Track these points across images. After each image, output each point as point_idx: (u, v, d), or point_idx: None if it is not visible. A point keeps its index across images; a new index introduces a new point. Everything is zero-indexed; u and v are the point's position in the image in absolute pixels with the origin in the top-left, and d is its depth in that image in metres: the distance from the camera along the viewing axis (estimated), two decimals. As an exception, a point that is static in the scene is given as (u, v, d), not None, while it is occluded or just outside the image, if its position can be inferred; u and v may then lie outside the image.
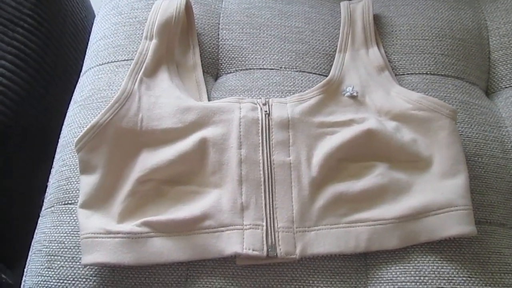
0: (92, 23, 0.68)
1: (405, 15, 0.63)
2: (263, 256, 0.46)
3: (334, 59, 0.58)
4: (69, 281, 0.48)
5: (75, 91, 0.61)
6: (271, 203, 0.48)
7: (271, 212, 0.48)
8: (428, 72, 0.59)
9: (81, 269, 0.48)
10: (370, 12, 0.60)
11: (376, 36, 0.60)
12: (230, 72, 0.60)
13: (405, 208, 0.48)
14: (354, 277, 0.48)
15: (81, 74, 0.63)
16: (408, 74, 0.59)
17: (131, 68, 0.54)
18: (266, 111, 0.52)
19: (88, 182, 0.49)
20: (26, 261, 0.53)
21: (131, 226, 0.47)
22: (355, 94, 0.54)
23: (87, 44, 0.66)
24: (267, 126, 0.51)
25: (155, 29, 0.56)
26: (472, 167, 0.52)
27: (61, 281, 0.48)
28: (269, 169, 0.49)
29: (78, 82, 0.62)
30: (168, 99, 0.52)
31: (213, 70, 0.61)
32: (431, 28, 0.61)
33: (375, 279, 0.48)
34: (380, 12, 0.64)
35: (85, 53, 0.66)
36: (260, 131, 0.51)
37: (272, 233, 0.47)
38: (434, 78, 0.58)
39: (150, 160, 0.50)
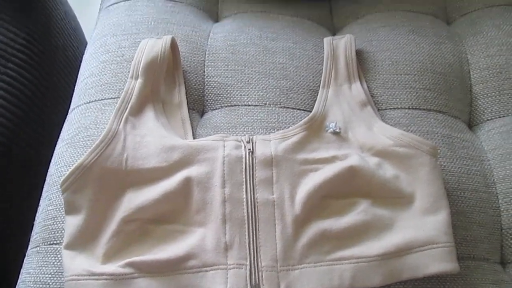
0: (84, 52, 0.70)
1: (387, 50, 0.64)
2: None
3: (317, 94, 0.59)
4: (53, 323, 0.48)
5: (62, 129, 0.62)
6: (254, 241, 0.48)
7: (255, 251, 0.48)
8: (410, 107, 0.59)
9: (65, 310, 0.48)
10: (352, 48, 0.61)
11: (359, 71, 0.61)
12: (216, 109, 0.61)
13: (387, 245, 0.48)
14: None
15: (69, 111, 0.64)
16: (390, 108, 0.60)
17: (117, 107, 0.55)
18: (249, 149, 0.52)
19: (73, 223, 0.49)
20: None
21: (114, 267, 0.47)
22: (337, 130, 0.55)
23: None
24: (251, 164, 0.51)
25: (141, 68, 0.57)
26: (454, 202, 0.53)
27: (46, 323, 0.48)
28: (253, 207, 0.50)
29: (66, 120, 0.63)
30: (153, 138, 0.53)
31: (199, 107, 0.62)
32: (412, 62, 0.63)
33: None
34: (363, 47, 0.65)
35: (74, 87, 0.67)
36: (244, 169, 0.51)
37: (256, 272, 0.47)
38: (417, 112, 0.59)
39: (135, 199, 0.50)
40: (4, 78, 0.73)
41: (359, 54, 0.64)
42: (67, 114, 0.64)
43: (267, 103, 0.60)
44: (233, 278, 0.47)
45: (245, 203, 0.50)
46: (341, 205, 0.51)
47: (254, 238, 0.48)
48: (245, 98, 0.60)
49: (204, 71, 0.63)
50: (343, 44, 0.62)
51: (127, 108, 0.55)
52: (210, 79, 0.63)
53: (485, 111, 0.62)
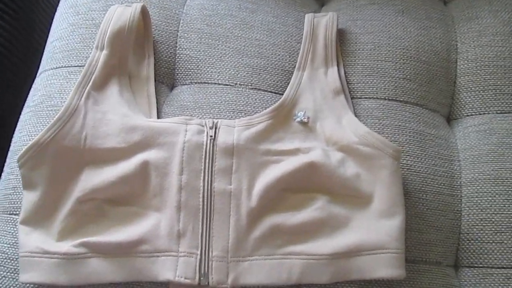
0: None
1: (371, 32, 0.60)
2: (195, 284, 0.47)
3: (291, 76, 0.56)
4: (11, 292, 0.50)
5: (29, 93, 0.61)
6: (207, 231, 0.49)
7: (207, 241, 0.48)
8: (387, 98, 0.57)
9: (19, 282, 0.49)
10: (334, 28, 0.57)
11: (338, 55, 0.58)
12: (185, 84, 0.59)
13: (339, 245, 0.48)
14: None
15: (37, 75, 0.62)
16: (365, 98, 0.57)
17: (78, 80, 0.53)
18: (211, 136, 0.51)
19: (29, 199, 0.50)
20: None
21: (68, 246, 0.48)
22: (305, 120, 0.53)
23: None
24: (211, 152, 0.51)
25: (107, 38, 0.55)
26: (415, 203, 0.52)
27: (3, 290, 0.50)
28: (209, 196, 0.49)
29: (33, 84, 0.61)
30: (115, 116, 0.52)
31: (168, 80, 0.60)
32: (396, 48, 0.59)
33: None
34: (346, 26, 0.61)
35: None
36: (203, 157, 0.50)
37: (206, 261, 0.48)
38: (392, 104, 0.57)
39: (91, 179, 0.50)
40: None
41: (341, 34, 0.60)
42: (35, 77, 0.63)
43: (238, 82, 0.58)
44: (183, 265, 0.47)
45: (201, 192, 0.49)
46: (298, 199, 0.50)
47: (208, 228, 0.49)
48: (216, 76, 0.58)
49: (176, 42, 0.60)
50: (324, 23, 0.58)
51: (89, 81, 0.53)
52: (182, 52, 0.60)
53: (466, 106, 0.59)
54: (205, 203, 0.49)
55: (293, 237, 0.49)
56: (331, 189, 0.50)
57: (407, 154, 0.54)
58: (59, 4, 0.66)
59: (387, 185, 0.49)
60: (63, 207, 0.49)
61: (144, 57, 0.59)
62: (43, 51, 0.64)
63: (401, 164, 0.53)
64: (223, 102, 0.56)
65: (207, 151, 0.50)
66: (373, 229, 0.48)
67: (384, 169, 0.49)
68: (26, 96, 0.60)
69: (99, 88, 0.54)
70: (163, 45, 0.60)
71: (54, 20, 0.65)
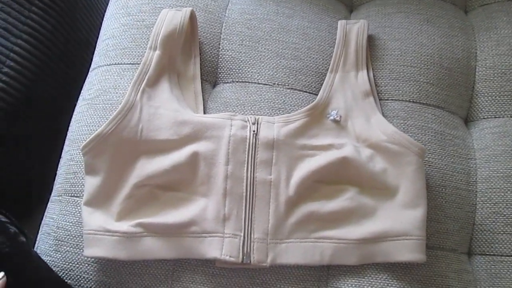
0: (104, 4, 0.71)
1: (398, 39, 0.66)
2: (238, 262, 0.53)
3: (324, 78, 0.62)
4: (74, 265, 0.56)
5: (83, 86, 0.67)
6: (250, 216, 0.55)
7: (249, 224, 0.54)
8: (411, 100, 0.63)
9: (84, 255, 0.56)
10: (364, 34, 0.63)
11: (368, 60, 0.63)
12: (227, 82, 0.65)
13: (366, 232, 0.54)
14: (316, 285, 0.55)
15: (90, 70, 0.68)
16: (391, 100, 0.63)
17: (134, 78, 0.59)
18: (254, 131, 0.57)
19: (91, 183, 0.56)
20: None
21: (127, 226, 0.54)
22: (338, 118, 0.59)
23: (98, 19, 0.68)
24: (254, 145, 0.56)
25: (159, 40, 0.60)
26: (435, 196, 0.58)
27: (67, 263, 0.56)
28: (252, 185, 0.55)
29: (87, 78, 0.67)
30: (166, 111, 0.58)
31: (211, 78, 0.66)
32: (421, 55, 0.64)
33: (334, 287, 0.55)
34: (375, 33, 0.66)
35: (99, 31, 0.70)
36: (247, 149, 0.56)
37: (248, 242, 0.54)
38: (416, 106, 0.62)
39: (146, 167, 0.56)
40: (29, 22, 0.76)
41: (370, 40, 0.66)
42: (87, 70, 0.68)
43: (276, 83, 0.63)
44: (228, 245, 0.54)
45: (245, 181, 0.55)
46: (330, 190, 0.56)
47: (250, 213, 0.55)
48: (256, 76, 0.64)
49: (219, 44, 0.66)
50: (356, 29, 0.63)
51: (144, 79, 0.59)
52: (224, 53, 0.65)
53: (483, 109, 0.65)
54: (248, 191, 0.55)
55: (325, 223, 0.55)
56: (360, 181, 0.56)
57: (428, 152, 0.60)
58: (110, 5, 0.71)
59: (412, 180, 0.55)
60: (121, 191, 0.55)
61: (190, 57, 0.64)
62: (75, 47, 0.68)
63: (424, 161, 0.58)
64: (263, 100, 0.62)
65: (250, 144, 0.56)
66: (398, 218, 0.54)
67: (410, 165, 0.55)
68: (67, 88, 0.65)
69: (152, 85, 0.59)
70: (207, 46, 0.65)
71: (105, 19, 0.70)
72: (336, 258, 0.54)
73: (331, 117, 0.59)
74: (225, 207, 0.55)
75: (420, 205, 0.54)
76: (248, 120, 0.57)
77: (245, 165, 0.56)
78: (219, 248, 0.54)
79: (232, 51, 0.65)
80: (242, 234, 0.54)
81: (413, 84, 0.63)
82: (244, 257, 0.53)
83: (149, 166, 0.56)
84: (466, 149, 0.62)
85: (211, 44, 0.66)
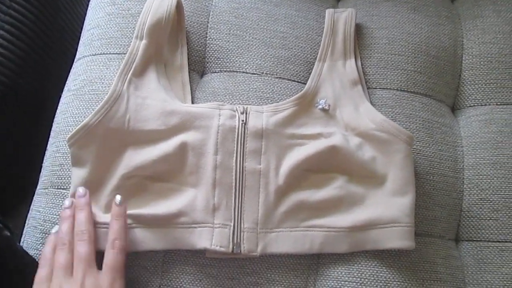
0: None
1: (386, 27, 0.66)
2: (229, 252, 0.53)
3: (313, 67, 0.62)
4: (61, 257, 0.55)
5: (68, 77, 0.65)
6: (239, 206, 0.55)
7: (239, 214, 0.54)
8: (399, 88, 0.63)
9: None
10: (352, 23, 0.63)
11: (356, 48, 0.63)
12: (215, 72, 0.64)
13: (356, 219, 0.54)
14: (306, 273, 0.56)
15: (75, 60, 0.66)
16: (380, 88, 0.63)
17: (121, 68, 0.58)
18: (243, 120, 0.56)
19: (78, 175, 0.55)
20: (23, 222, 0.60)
21: None
22: (326, 107, 0.59)
23: (82, 9, 0.66)
24: (243, 135, 0.56)
25: (146, 29, 0.59)
26: (423, 184, 0.59)
27: (54, 256, 0.56)
28: (241, 175, 0.55)
29: (72, 69, 0.66)
30: (154, 101, 0.57)
31: (199, 68, 0.65)
32: (408, 43, 0.65)
33: (323, 276, 0.55)
34: (363, 22, 0.66)
35: (82, 21, 0.69)
36: (235, 139, 0.56)
37: (238, 232, 0.54)
38: (404, 94, 0.63)
39: (134, 158, 0.55)
40: (11, 12, 0.74)
41: (358, 29, 0.65)
42: (73, 60, 0.67)
43: (264, 72, 0.63)
44: (218, 236, 0.53)
45: (234, 171, 0.55)
46: (320, 179, 0.56)
47: (239, 203, 0.55)
48: (244, 65, 0.63)
49: (206, 33, 0.65)
50: (343, 18, 0.63)
51: (131, 69, 0.58)
52: (212, 42, 0.65)
53: (469, 97, 0.65)
54: (237, 180, 0.55)
55: (315, 212, 0.55)
56: (349, 170, 0.56)
57: (416, 140, 0.60)
58: (94, -6, 0.70)
59: (400, 167, 0.55)
60: (109, 182, 0.55)
61: (177, 47, 0.63)
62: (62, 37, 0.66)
63: (412, 148, 0.59)
64: (251, 89, 0.62)
65: (239, 134, 0.56)
66: (387, 205, 0.55)
67: (398, 153, 0.55)
68: (52, 80, 0.63)
69: (139, 75, 0.58)
70: (194, 35, 0.65)
71: (90, 8, 0.69)
72: (326, 247, 0.54)
73: (320, 106, 0.59)
74: (214, 197, 0.54)
75: (408, 192, 0.55)
76: (237, 110, 0.57)
77: (234, 155, 0.55)
78: (209, 238, 0.53)
79: (220, 40, 0.65)
80: (232, 224, 0.54)
81: (400, 73, 0.63)
82: (234, 247, 0.53)
83: (137, 157, 0.55)
84: (453, 137, 0.62)
85: (198, 34, 0.65)
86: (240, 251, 0.53)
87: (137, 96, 0.57)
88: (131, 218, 0.53)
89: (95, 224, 0.53)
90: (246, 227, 0.54)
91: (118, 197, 0.52)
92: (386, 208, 0.55)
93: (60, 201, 0.58)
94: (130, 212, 0.53)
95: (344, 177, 0.56)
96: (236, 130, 0.56)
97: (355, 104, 0.59)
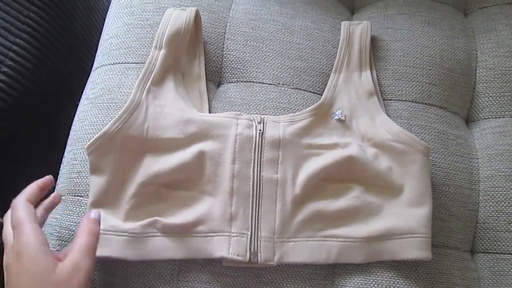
0: (105, 5, 0.71)
1: (401, 40, 0.66)
2: (246, 261, 0.53)
3: (329, 78, 0.63)
4: (77, 265, 0.55)
5: (86, 85, 0.66)
6: (256, 215, 0.55)
7: (256, 223, 0.54)
8: (414, 100, 0.63)
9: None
10: (368, 35, 0.64)
11: (371, 60, 0.64)
12: (232, 82, 0.65)
13: (373, 230, 0.54)
14: (322, 283, 0.55)
15: (93, 69, 0.67)
16: (395, 100, 0.63)
17: (140, 77, 0.58)
18: (260, 130, 0.57)
19: (97, 183, 0.55)
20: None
21: (134, 225, 0.54)
22: (343, 118, 0.59)
23: (96, 19, 0.67)
24: (260, 144, 0.56)
25: (165, 39, 0.60)
26: (439, 195, 0.59)
27: (70, 263, 0.56)
28: (258, 184, 0.55)
29: (89, 77, 0.67)
30: (172, 110, 0.57)
31: (215, 78, 0.66)
32: (423, 56, 0.65)
33: (339, 286, 0.55)
34: (378, 34, 0.67)
35: (96, 30, 0.69)
36: (253, 148, 0.56)
37: (255, 241, 0.54)
38: (419, 106, 0.63)
39: (153, 166, 0.55)
40: (28, 21, 0.75)
41: (373, 41, 0.66)
42: (85, 69, 0.68)
43: (281, 82, 0.64)
44: (235, 244, 0.54)
45: (251, 180, 0.55)
46: (336, 189, 0.57)
47: (257, 212, 0.55)
48: (260, 76, 0.64)
49: (223, 44, 0.66)
50: (359, 30, 0.64)
51: (149, 78, 0.59)
52: (228, 53, 0.65)
53: (484, 109, 0.66)
54: (255, 189, 0.55)
55: (332, 221, 0.55)
56: (366, 180, 0.56)
57: (432, 151, 0.60)
58: (112, 4, 0.71)
59: (417, 178, 0.56)
60: (127, 190, 0.55)
61: (195, 57, 0.64)
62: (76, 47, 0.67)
63: (427, 160, 0.59)
64: (268, 100, 0.62)
65: (257, 143, 0.56)
66: (404, 216, 0.55)
67: (415, 163, 0.56)
68: (66, 88, 0.63)
69: (157, 84, 0.59)
70: (212, 46, 0.66)
71: (108, 18, 0.70)
72: (342, 257, 0.54)
73: (336, 117, 0.59)
74: (231, 206, 0.55)
75: (425, 203, 0.55)
76: (254, 120, 0.58)
77: (252, 164, 0.56)
78: (226, 247, 0.53)
79: (237, 51, 0.65)
80: (249, 233, 0.54)
81: (415, 85, 0.64)
82: (252, 256, 0.53)
83: (155, 165, 0.56)
84: (468, 149, 0.63)
85: (215, 44, 0.66)
86: (257, 260, 0.53)
87: (156, 105, 0.58)
88: (150, 226, 0.53)
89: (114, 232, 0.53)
90: (263, 236, 0.54)
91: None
92: (403, 218, 0.55)
93: (77, 209, 0.58)
94: (149, 221, 0.53)
95: (361, 187, 0.56)
96: (254, 140, 0.56)
97: (371, 115, 0.59)
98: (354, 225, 0.55)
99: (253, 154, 0.56)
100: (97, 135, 0.55)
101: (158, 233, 0.54)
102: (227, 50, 0.66)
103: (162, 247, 0.53)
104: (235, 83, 0.64)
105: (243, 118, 0.58)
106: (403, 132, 0.57)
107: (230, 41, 0.66)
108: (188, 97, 0.61)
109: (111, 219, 0.54)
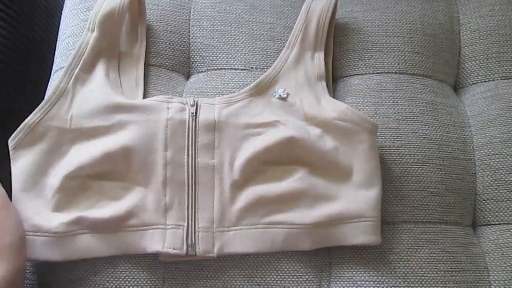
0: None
1: (378, 9, 0.62)
2: (183, 254, 0.49)
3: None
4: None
5: (47, 89, 0.61)
6: (193, 204, 0.51)
7: (193, 213, 0.50)
8: (397, 71, 0.59)
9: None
10: (328, 14, 0.58)
11: (329, 42, 0.59)
12: (202, 72, 0.60)
13: (320, 215, 0.50)
14: (318, 276, 0.52)
15: (52, 71, 0.62)
16: (377, 73, 0.59)
17: (68, 62, 0.54)
18: (192, 113, 0.53)
19: (20, 179, 0.51)
20: None
21: (58, 223, 0.49)
22: (284, 96, 0.54)
23: (57, 19, 0.64)
24: (194, 129, 0.52)
25: (97, 21, 0.56)
26: (433, 170, 0.55)
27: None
28: (193, 171, 0.51)
29: (50, 80, 0.62)
30: (99, 96, 0.53)
31: (184, 69, 0.61)
32: (402, 23, 0.61)
33: (337, 277, 0.52)
34: (353, 5, 0.63)
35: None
36: (186, 133, 0.52)
37: (193, 233, 0.50)
38: (403, 77, 0.59)
39: (77, 157, 0.51)
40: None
41: (350, 13, 0.62)
42: (48, 71, 0.63)
43: (253, 67, 0.59)
44: (171, 237, 0.49)
45: (186, 167, 0.51)
46: (279, 171, 0.52)
47: (193, 201, 0.51)
48: (232, 62, 0.60)
49: (189, 31, 0.61)
50: (320, 7, 0.59)
51: (79, 63, 0.55)
52: (195, 40, 0.61)
53: (472, 74, 0.62)
54: (190, 177, 0.51)
55: (275, 207, 0.51)
56: (310, 161, 0.52)
57: (422, 123, 0.57)
58: (66, 1, 0.66)
59: (365, 159, 0.52)
60: (52, 184, 0.50)
61: (137, 41, 0.59)
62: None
63: (417, 133, 0.56)
64: (241, 86, 0.58)
65: (190, 127, 0.52)
66: (352, 199, 0.51)
67: (362, 143, 0.52)
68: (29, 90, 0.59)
69: (87, 70, 0.55)
70: (176, 35, 0.61)
71: (63, 17, 0.65)
72: (288, 244, 0.50)
73: (277, 95, 0.55)
74: (166, 196, 0.51)
75: (374, 184, 0.51)
76: (187, 102, 0.53)
77: (186, 150, 0.52)
78: (161, 240, 0.49)
79: (204, 38, 0.61)
80: (186, 224, 0.50)
81: (397, 55, 0.60)
82: (189, 249, 0.49)
83: (79, 156, 0.51)
84: (459, 117, 0.59)
85: (180, 33, 0.61)
86: (195, 252, 0.50)
87: (83, 92, 0.53)
88: (75, 223, 0.49)
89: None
90: (201, 226, 0.50)
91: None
92: (352, 201, 0.51)
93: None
94: (75, 217, 0.49)
95: (306, 169, 0.52)
96: (187, 124, 0.52)
97: (317, 97, 0.55)
98: (300, 210, 0.51)
99: (186, 140, 0.52)
100: (18, 128, 0.51)
101: (85, 230, 0.49)
102: (193, 37, 0.61)
103: (90, 246, 0.49)
104: (205, 72, 0.60)
105: (174, 101, 0.53)
106: (350, 109, 0.52)
107: (196, 28, 0.61)
108: (121, 83, 0.56)
109: (32, 217, 0.49)
